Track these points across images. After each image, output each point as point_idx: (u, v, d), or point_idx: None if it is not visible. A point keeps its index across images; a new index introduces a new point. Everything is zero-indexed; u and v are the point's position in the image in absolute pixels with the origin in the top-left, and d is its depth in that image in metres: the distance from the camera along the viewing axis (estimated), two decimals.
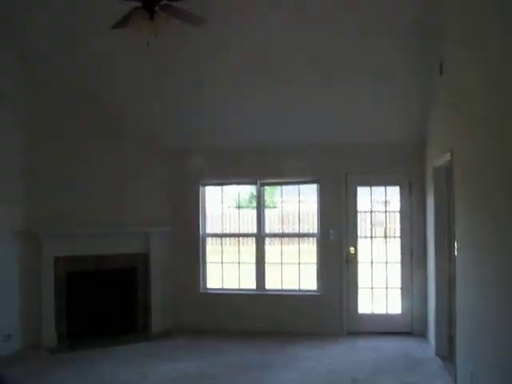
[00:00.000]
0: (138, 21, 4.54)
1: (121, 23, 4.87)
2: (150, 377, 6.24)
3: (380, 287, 8.04)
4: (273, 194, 9.30)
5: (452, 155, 5.41)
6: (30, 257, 7.42)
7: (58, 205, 7.56)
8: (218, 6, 5.76)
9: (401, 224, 7.97)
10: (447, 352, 6.57)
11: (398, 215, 8.04)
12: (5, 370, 6.08)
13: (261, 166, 8.25)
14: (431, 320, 7.14)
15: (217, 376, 6.23)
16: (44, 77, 7.39)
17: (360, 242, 8.04)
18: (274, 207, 8.63)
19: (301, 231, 8.77)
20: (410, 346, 7.24)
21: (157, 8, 4.58)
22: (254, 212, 8.51)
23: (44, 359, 6.95)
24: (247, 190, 8.69)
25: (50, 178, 7.62)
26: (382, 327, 7.85)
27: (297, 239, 8.70)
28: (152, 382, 6.08)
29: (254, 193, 8.53)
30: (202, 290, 8.50)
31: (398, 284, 7.95)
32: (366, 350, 7.12)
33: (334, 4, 5.93)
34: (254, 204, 8.55)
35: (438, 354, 6.70)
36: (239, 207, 8.83)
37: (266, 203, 8.49)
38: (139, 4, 4.56)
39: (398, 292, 7.94)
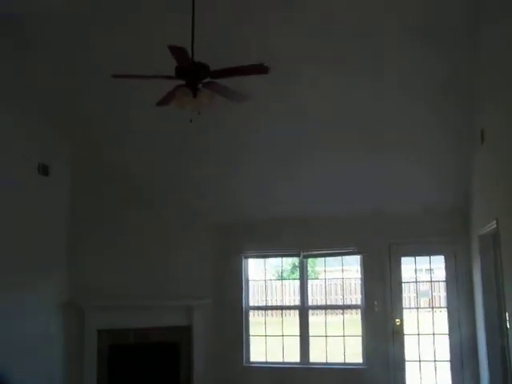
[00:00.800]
0: (182, 98, 4.67)
1: (165, 100, 5.02)
2: None
3: (428, 360, 7.79)
4: (315, 264, 9.23)
5: (497, 223, 5.32)
6: (73, 329, 7.51)
7: (100, 277, 7.69)
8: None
9: (447, 293, 7.79)
10: None
11: (443, 285, 7.87)
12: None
13: (303, 238, 8.23)
14: None
15: None
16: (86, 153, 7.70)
17: (405, 313, 7.86)
18: (317, 278, 8.55)
19: (345, 302, 8.62)
20: None
21: (200, 85, 4.71)
22: (297, 282, 8.45)
23: None
24: (289, 261, 8.65)
25: (92, 250, 7.79)
26: None
27: (341, 310, 8.55)
28: None
29: (297, 264, 8.49)
30: (245, 364, 8.37)
31: (447, 356, 7.69)
32: None
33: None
34: (297, 275, 8.49)
35: None
36: (282, 279, 8.77)
37: (309, 273, 8.43)
38: (183, 82, 4.70)
39: (448, 365, 7.67)
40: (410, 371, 7.78)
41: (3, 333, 6.27)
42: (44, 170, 7.12)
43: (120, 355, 7.75)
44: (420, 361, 7.80)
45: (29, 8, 5.50)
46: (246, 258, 8.56)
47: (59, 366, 7.33)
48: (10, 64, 6.42)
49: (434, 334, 7.80)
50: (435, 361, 7.76)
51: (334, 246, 8.20)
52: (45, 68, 6.42)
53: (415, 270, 8.01)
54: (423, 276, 8.06)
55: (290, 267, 9.13)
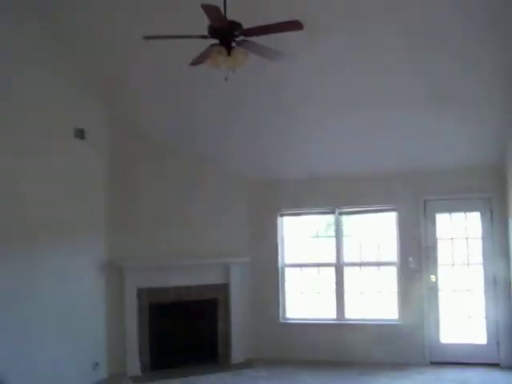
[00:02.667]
0: (216, 57, 4.71)
1: (199, 60, 5.06)
2: None
3: (463, 316, 7.85)
4: (349, 222, 9.26)
5: None
6: (115, 289, 7.70)
7: (139, 238, 7.85)
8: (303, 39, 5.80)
9: (483, 251, 7.78)
10: None
11: (479, 242, 7.85)
12: None
13: (339, 195, 8.31)
14: None
15: None
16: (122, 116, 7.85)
17: (440, 270, 7.90)
18: (350, 236, 8.59)
19: (380, 260, 8.67)
20: (498, 378, 7.01)
21: (234, 44, 4.74)
22: (331, 241, 8.54)
23: None
24: (324, 220, 8.70)
25: (132, 212, 7.94)
26: (466, 358, 7.64)
27: (376, 268, 8.62)
28: None
29: (331, 222, 8.55)
30: (281, 320, 8.54)
31: (483, 313, 7.73)
32: (451, 382, 6.92)
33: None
34: (331, 233, 8.56)
35: None
36: (317, 237, 8.85)
37: (344, 232, 8.49)
38: (217, 41, 4.74)
39: (483, 321, 7.72)
40: (445, 327, 7.86)
41: (49, 292, 6.56)
42: (80, 133, 7.22)
43: (160, 313, 7.95)
44: (455, 316, 7.85)
45: None
46: (282, 215, 8.65)
47: (102, 324, 7.57)
48: (48, 25, 6.49)
49: (469, 291, 7.83)
50: (470, 317, 7.80)
51: (369, 203, 8.24)
52: (82, 29, 6.48)
53: (451, 227, 7.98)
54: (460, 234, 8.02)
55: (324, 226, 9.15)
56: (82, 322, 7.13)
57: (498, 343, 7.56)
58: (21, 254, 6.08)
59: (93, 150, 7.53)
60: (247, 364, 8.09)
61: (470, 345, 7.77)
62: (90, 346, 7.32)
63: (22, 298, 6.07)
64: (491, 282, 7.63)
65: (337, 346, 8.13)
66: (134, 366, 7.69)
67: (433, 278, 7.83)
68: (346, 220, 8.63)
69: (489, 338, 7.66)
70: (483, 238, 7.77)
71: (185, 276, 8.02)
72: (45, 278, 6.48)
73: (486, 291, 7.70)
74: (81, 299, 7.15)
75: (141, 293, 7.81)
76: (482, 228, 7.78)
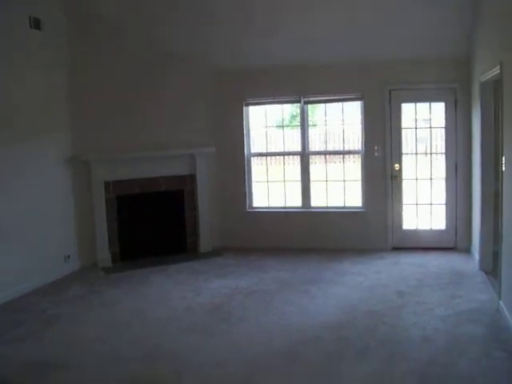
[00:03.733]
0: None
1: None
2: (203, 293, 6.50)
3: (424, 203, 8.10)
4: (314, 113, 9.24)
5: (501, 68, 5.29)
6: (82, 183, 7.65)
7: (104, 130, 7.70)
8: None
9: (445, 140, 7.91)
10: (491, 267, 6.65)
11: (443, 131, 7.96)
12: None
13: (304, 84, 8.21)
14: (476, 235, 7.19)
15: (267, 291, 6.47)
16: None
17: (404, 159, 8.04)
18: (316, 125, 8.60)
19: (345, 149, 8.73)
20: (454, 261, 7.35)
21: None
22: (297, 132, 8.54)
23: (100, 278, 7.31)
24: (289, 110, 8.66)
25: (95, 102, 7.69)
26: (426, 243, 7.97)
27: (340, 158, 8.72)
28: (205, 298, 6.34)
29: (296, 113, 8.52)
30: (248, 209, 8.69)
31: (443, 200, 7.99)
32: (411, 265, 7.26)
33: None
34: (297, 124, 8.55)
35: (482, 268, 6.78)
36: (283, 126, 8.85)
37: (309, 123, 8.48)
38: None
39: (443, 208, 7.99)
40: (408, 214, 8.12)
41: (17, 189, 6.55)
42: (36, 23, 6.86)
43: (128, 205, 7.99)
44: (417, 204, 8.10)
45: None
46: (248, 105, 8.56)
47: (71, 218, 7.60)
48: None
49: (431, 179, 8.03)
50: (431, 204, 8.06)
51: (335, 92, 8.18)
52: None
53: (415, 117, 8.05)
54: (424, 124, 8.11)
55: (289, 116, 9.13)
56: (51, 217, 7.16)
57: (456, 228, 7.88)
58: None
59: (50, 40, 7.18)
60: (215, 253, 8.30)
61: (431, 231, 8.09)
62: (61, 239, 7.39)
63: None
64: (452, 171, 7.82)
65: (302, 234, 8.36)
66: (104, 257, 7.82)
67: (396, 166, 7.97)
68: (312, 110, 8.60)
69: (448, 224, 7.97)
70: (446, 127, 7.87)
71: (151, 168, 8.00)
72: (10, 176, 6.45)
73: (447, 179, 7.90)
74: (48, 195, 7.12)
75: (108, 186, 7.80)
76: (446, 118, 7.86)
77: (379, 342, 4.85)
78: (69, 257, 7.50)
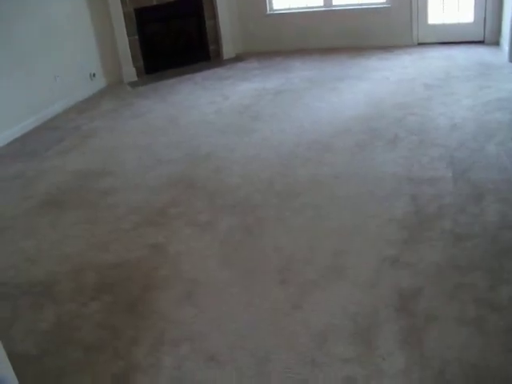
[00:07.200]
0: None
1: None
2: (231, 97, 6.58)
3: None
4: None
5: None
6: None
7: None
8: None
9: None
10: None
11: None
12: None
13: None
14: (506, 28, 6.95)
15: (295, 90, 6.52)
16: None
17: None
18: None
19: None
20: (482, 53, 7.19)
21: None
22: None
23: (128, 92, 7.38)
24: None
25: None
26: (453, 36, 7.74)
27: None
28: (234, 101, 6.43)
29: None
30: (269, 11, 8.46)
31: None
32: (438, 59, 7.15)
33: None
34: None
35: (511, 60, 6.66)
36: None
37: None
38: None
39: (472, 2, 7.67)
40: (432, 8, 7.82)
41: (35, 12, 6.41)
42: None
43: (146, 18, 7.77)
44: None
45: None
46: None
47: (92, 37, 7.45)
48: None
49: None
50: None
51: None
52: None
53: None
54: None
55: None
56: (72, 37, 7.08)
57: (484, 20, 7.62)
58: None
59: None
60: (238, 58, 8.24)
61: (458, 24, 7.82)
62: (84, 59, 7.33)
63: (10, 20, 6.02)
64: None
65: (325, 33, 8.17)
66: (129, 72, 7.80)
67: None
68: None
69: (476, 16, 7.68)
70: None
71: None
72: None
73: None
74: (65, 13, 6.97)
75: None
76: None
77: (408, 131, 4.97)
78: (94, 75, 7.50)
